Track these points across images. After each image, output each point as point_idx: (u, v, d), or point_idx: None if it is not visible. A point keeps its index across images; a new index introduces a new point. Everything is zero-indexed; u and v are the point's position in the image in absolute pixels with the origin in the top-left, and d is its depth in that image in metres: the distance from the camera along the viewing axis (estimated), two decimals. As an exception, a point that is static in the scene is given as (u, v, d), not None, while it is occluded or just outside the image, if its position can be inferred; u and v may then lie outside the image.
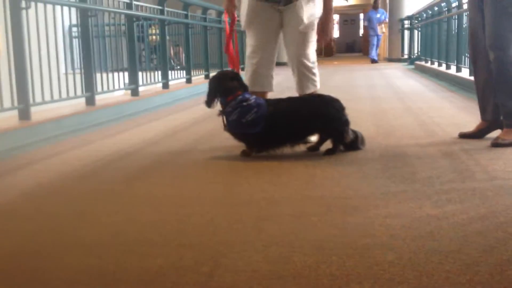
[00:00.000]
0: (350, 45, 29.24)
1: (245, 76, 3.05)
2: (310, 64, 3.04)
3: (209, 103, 2.82)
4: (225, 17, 3.17)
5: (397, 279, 1.28)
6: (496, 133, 2.89)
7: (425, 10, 10.60)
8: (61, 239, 1.64)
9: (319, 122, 2.70)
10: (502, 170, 2.27)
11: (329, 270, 1.34)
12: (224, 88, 2.74)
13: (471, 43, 2.97)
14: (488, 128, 2.97)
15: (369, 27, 14.68)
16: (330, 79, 8.40)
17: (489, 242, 1.48)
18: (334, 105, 2.73)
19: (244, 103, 2.66)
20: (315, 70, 3.09)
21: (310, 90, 3.05)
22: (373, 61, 14.38)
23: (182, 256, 1.46)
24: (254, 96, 2.75)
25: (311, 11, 2.99)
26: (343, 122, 2.71)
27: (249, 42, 3.10)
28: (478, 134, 3.00)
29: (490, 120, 2.94)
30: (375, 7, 14.72)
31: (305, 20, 2.96)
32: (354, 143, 2.78)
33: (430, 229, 1.60)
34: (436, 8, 9.17)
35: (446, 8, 8.26)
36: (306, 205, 1.90)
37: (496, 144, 2.74)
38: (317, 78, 3.09)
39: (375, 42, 14.47)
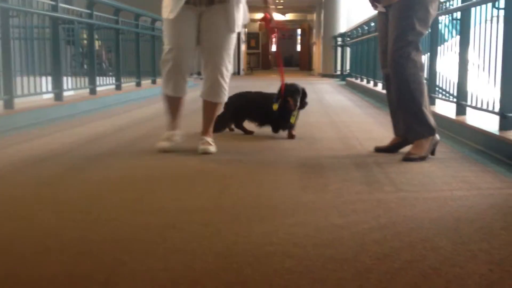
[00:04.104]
0: (288, 59, 29.76)
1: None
2: (227, 73, 3.07)
3: None
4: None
5: (291, 286, 1.30)
6: (408, 148, 3.02)
7: (355, 28, 10.97)
8: (-48, 246, 1.55)
9: None
10: (408, 183, 2.37)
11: (227, 277, 1.35)
12: None
13: (382, 62, 3.10)
14: (401, 143, 3.10)
15: None
16: (268, 90, 8.48)
17: (384, 250, 1.54)
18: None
19: None
20: (228, 81, 3.11)
21: (221, 99, 3.10)
22: None
23: (79, 264, 1.42)
24: None
25: (239, 15, 3.02)
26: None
27: (167, 41, 3.03)
28: (392, 148, 3.12)
29: (402, 135, 3.07)
30: None
31: (237, 22, 2.99)
32: None
33: (332, 238, 1.65)
34: (366, 27, 9.52)
35: (375, 28, 8.59)
36: (216, 213, 1.90)
37: (406, 158, 2.87)
38: (227, 89, 3.12)
39: None
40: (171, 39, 3.01)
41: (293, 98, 3.59)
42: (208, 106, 3.13)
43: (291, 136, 3.65)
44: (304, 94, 3.68)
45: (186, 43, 3.01)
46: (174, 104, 3.13)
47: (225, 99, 3.13)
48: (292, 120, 3.65)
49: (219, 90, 3.06)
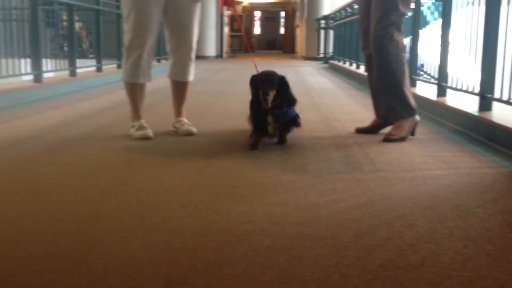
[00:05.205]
0: (271, 42, 29.67)
1: (124, 65, 2.94)
2: (194, 51, 3.03)
3: None
4: None
5: (269, 263, 1.31)
6: (389, 129, 3.04)
7: (339, 11, 10.95)
8: None
9: None
10: (387, 163, 2.39)
11: (205, 255, 1.35)
12: None
13: (363, 43, 3.09)
14: (382, 124, 3.12)
15: None
16: (250, 73, 8.45)
17: (361, 228, 1.56)
18: None
19: None
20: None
21: (191, 78, 3.07)
22: None
23: (56, 244, 1.41)
24: None
25: None
26: None
27: (133, 25, 2.81)
28: (372, 129, 3.14)
29: (383, 116, 3.09)
30: None
31: None
32: None
33: (311, 216, 1.66)
34: (349, 10, 9.49)
35: (358, 10, 8.57)
36: (195, 193, 1.90)
37: (387, 139, 2.89)
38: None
39: None
40: (141, 23, 2.81)
41: (263, 91, 2.57)
42: (182, 86, 3.09)
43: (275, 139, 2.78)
44: (282, 85, 2.62)
45: (155, 28, 2.87)
46: (141, 91, 2.98)
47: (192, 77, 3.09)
48: (269, 129, 2.62)
49: (192, 69, 3.06)
